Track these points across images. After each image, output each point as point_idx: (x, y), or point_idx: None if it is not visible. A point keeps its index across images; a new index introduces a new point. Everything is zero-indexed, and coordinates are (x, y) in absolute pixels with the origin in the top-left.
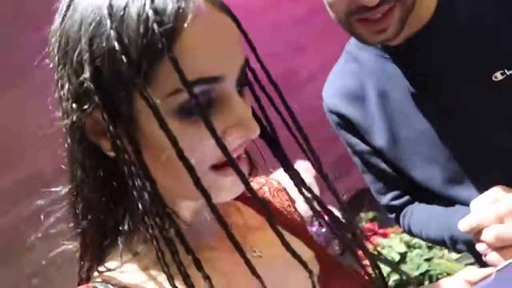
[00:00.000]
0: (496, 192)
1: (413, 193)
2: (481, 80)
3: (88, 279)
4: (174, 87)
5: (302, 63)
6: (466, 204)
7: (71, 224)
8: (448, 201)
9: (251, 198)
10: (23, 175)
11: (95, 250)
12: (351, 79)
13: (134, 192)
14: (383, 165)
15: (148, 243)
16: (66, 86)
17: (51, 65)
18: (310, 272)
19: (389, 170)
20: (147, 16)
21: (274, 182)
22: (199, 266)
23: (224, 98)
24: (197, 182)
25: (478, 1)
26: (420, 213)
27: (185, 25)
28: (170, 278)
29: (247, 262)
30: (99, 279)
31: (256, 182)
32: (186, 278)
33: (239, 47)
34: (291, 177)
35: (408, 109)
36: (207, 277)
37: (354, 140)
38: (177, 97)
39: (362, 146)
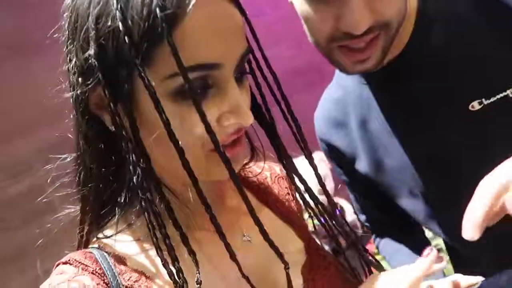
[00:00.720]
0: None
1: (383, 226)
2: (458, 109)
3: (87, 242)
4: (172, 71)
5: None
6: (448, 240)
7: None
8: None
9: (250, 181)
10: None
11: (94, 217)
12: (336, 106)
13: (130, 167)
14: (364, 194)
15: (142, 216)
16: (74, 60)
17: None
18: (285, 264)
19: (369, 203)
20: (151, 0)
21: (277, 169)
22: (185, 241)
23: (221, 85)
24: (184, 163)
25: (454, 29)
26: (388, 246)
27: (187, 11)
28: (159, 250)
29: (227, 246)
30: (95, 245)
31: (258, 167)
32: (171, 251)
33: (241, 36)
34: (285, 167)
35: (388, 138)
36: (191, 252)
37: (338, 170)
38: (174, 80)
39: (343, 177)
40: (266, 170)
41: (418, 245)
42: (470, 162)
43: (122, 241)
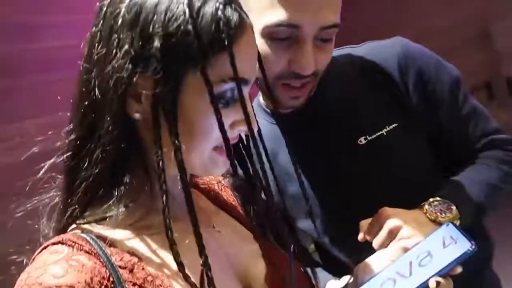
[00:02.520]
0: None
1: None
2: (349, 144)
3: (65, 228)
4: (222, 77)
5: None
6: (339, 255)
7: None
8: (323, 249)
9: (202, 188)
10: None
11: (89, 199)
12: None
13: (152, 152)
14: None
15: (136, 202)
16: (126, 47)
17: (100, 23)
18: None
19: None
20: (220, 18)
21: (221, 179)
22: (168, 227)
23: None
24: (227, 148)
25: (346, 87)
26: None
27: (244, 33)
28: (168, 229)
29: (196, 233)
30: (77, 230)
31: (208, 177)
32: (169, 231)
33: (256, 64)
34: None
35: (292, 168)
36: (198, 234)
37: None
38: (219, 85)
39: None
40: (213, 180)
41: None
42: (358, 187)
43: (109, 227)
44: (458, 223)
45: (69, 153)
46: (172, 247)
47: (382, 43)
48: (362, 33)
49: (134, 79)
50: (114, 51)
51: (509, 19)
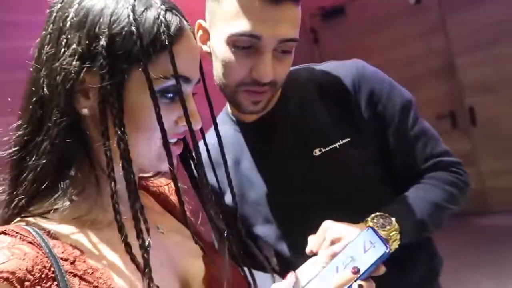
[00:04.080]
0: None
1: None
2: (306, 154)
3: (8, 221)
4: (163, 74)
5: None
6: (291, 259)
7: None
8: (279, 255)
9: (151, 190)
10: None
11: (35, 191)
12: (213, 150)
13: (99, 145)
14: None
15: (82, 195)
16: (74, 46)
17: (50, 26)
18: (196, 242)
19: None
20: (161, 21)
21: (171, 184)
22: (116, 211)
23: (186, 95)
24: (165, 143)
25: (304, 103)
26: None
27: (182, 36)
28: (117, 213)
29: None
30: (22, 223)
31: (157, 180)
32: (118, 215)
33: (198, 65)
34: (197, 192)
35: (253, 175)
36: (144, 220)
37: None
38: (162, 81)
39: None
40: (164, 184)
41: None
42: (312, 196)
43: (53, 220)
44: (398, 237)
45: (16, 147)
46: (121, 229)
47: (342, 63)
48: (333, 56)
49: (81, 74)
50: (63, 50)
51: (473, 54)
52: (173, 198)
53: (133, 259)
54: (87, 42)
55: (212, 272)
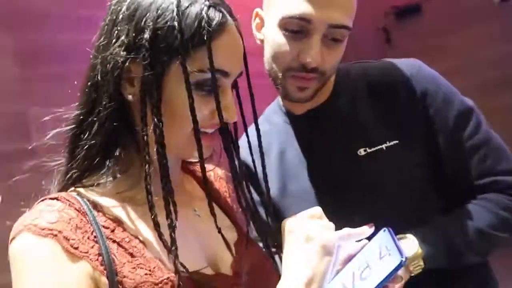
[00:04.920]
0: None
1: None
2: (351, 153)
3: (65, 190)
4: (201, 67)
5: None
6: None
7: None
8: None
9: (197, 175)
10: None
11: (87, 166)
12: (262, 138)
13: (144, 128)
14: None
15: (125, 174)
16: (123, 37)
17: (107, 18)
18: (218, 228)
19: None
20: (203, 17)
21: (219, 171)
22: (170, 197)
23: (223, 89)
24: (196, 132)
25: (354, 101)
26: None
27: (223, 32)
28: (149, 194)
29: (151, 208)
30: (74, 193)
31: (207, 166)
32: (149, 195)
33: (241, 61)
34: (232, 171)
35: (298, 168)
36: (174, 202)
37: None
38: (200, 74)
39: (256, 197)
40: (210, 170)
41: None
42: (354, 195)
43: (99, 193)
44: (422, 262)
45: (73, 125)
46: (151, 208)
47: (398, 61)
48: (406, 56)
49: (127, 63)
50: (114, 40)
51: None
52: (217, 184)
53: (160, 236)
54: (133, 34)
55: (242, 259)
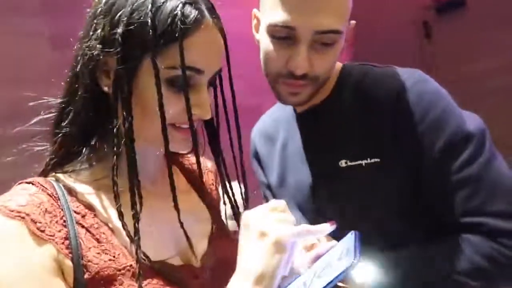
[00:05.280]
0: None
1: None
2: (333, 162)
3: (45, 175)
4: (172, 64)
5: None
6: None
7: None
8: None
9: (185, 167)
10: None
11: (64, 153)
12: (273, 123)
13: (114, 120)
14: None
15: (101, 162)
16: (99, 31)
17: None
18: (181, 223)
19: None
20: (176, 14)
21: (208, 164)
22: (137, 185)
23: (198, 86)
24: (163, 127)
25: (351, 99)
26: None
27: (197, 30)
28: (115, 186)
29: (115, 198)
30: (52, 178)
31: (193, 158)
32: (115, 186)
33: (219, 58)
34: (217, 164)
35: (296, 161)
36: (139, 195)
37: (259, 171)
38: (171, 71)
39: (262, 178)
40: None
41: None
42: (333, 202)
43: (77, 179)
44: None
45: (55, 113)
46: (116, 198)
47: (399, 71)
48: (448, 53)
49: (101, 56)
50: (91, 33)
51: None
52: (205, 177)
53: (123, 225)
54: (108, 28)
55: (215, 253)
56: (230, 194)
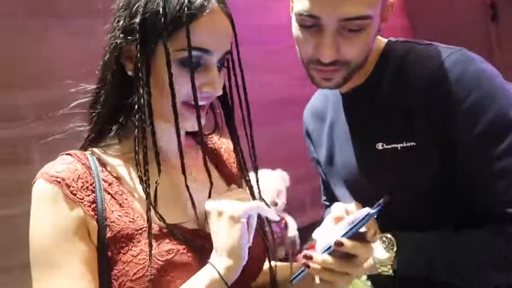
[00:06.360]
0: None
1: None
2: (371, 144)
3: (84, 149)
4: (182, 46)
5: None
6: None
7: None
8: None
9: (208, 146)
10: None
11: (99, 130)
12: (323, 101)
13: (136, 99)
14: (322, 175)
15: (128, 138)
16: (121, 22)
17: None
18: (187, 189)
19: (324, 182)
20: (184, 2)
21: (230, 145)
22: (156, 155)
23: (208, 65)
24: (173, 104)
25: (390, 80)
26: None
27: (203, 14)
28: (137, 155)
29: (182, 164)
30: (89, 151)
31: (220, 141)
32: (137, 155)
33: (227, 41)
34: (235, 150)
35: (343, 141)
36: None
37: (311, 148)
38: (181, 53)
39: (314, 155)
40: (224, 144)
41: None
42: (371, 183)
43: (108, 153)
44: (390, 268)
45: (91, 96)
46: (137, 166)
47: (441, 51)
48: None
49: (124, 44)
50: (115, 25)
51: None
52: (226, 155)
53: (144, 189)
54: (128, 19)
55: None
56: (245, 171)
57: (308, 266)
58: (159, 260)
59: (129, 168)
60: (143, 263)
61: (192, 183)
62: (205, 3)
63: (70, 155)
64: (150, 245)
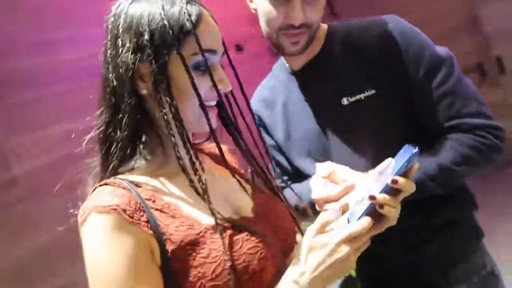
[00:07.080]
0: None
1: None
2: (335, 102)
3: (110, 177)
4: (194, 51)
5: None
6: None
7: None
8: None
9: (205, 151)
10: None
11: (122, 155)
12: (269, 91)
13: (158, 114)
14: (278, 157)
15: (154, 155)
16: (127, 44)
17: (108, 37)
18: (244, 188)
19: (282, 162)
20: (184, 13)
21: (224, 147)
22: (196, 157)
23: (214, 66)
24: (202, 105)
25: (338, 50)
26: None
27: (201, 21)
28: (180, 159)
29: (183, 168)
30: (116, 180)
31: (210, 145)
32: (196, 159)
33: (221, 40)
34: (242, 151)
35: (299, 115)
36: (199, 163)
37: (266, 136)
38: (193, 58)
39: (270, 141)
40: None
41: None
42: (341, 140)
43: (137, 174)
44: None
45: (102, 128)
46: (183, 168)
47: (376, 19)
48: None
49: (136, 63)
50: (120, 49)
51: (492, 3)
52: (227, 157)
53: (195, 187)
54: (135, 39)
55: (260, 202)
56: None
57: (375, 198)
58: (229, 252)
59: (162, 181)
60: (218, 260)
61: (219, 183)
62: (200, 12)
63: (106, 184)
64: (223, 240)
